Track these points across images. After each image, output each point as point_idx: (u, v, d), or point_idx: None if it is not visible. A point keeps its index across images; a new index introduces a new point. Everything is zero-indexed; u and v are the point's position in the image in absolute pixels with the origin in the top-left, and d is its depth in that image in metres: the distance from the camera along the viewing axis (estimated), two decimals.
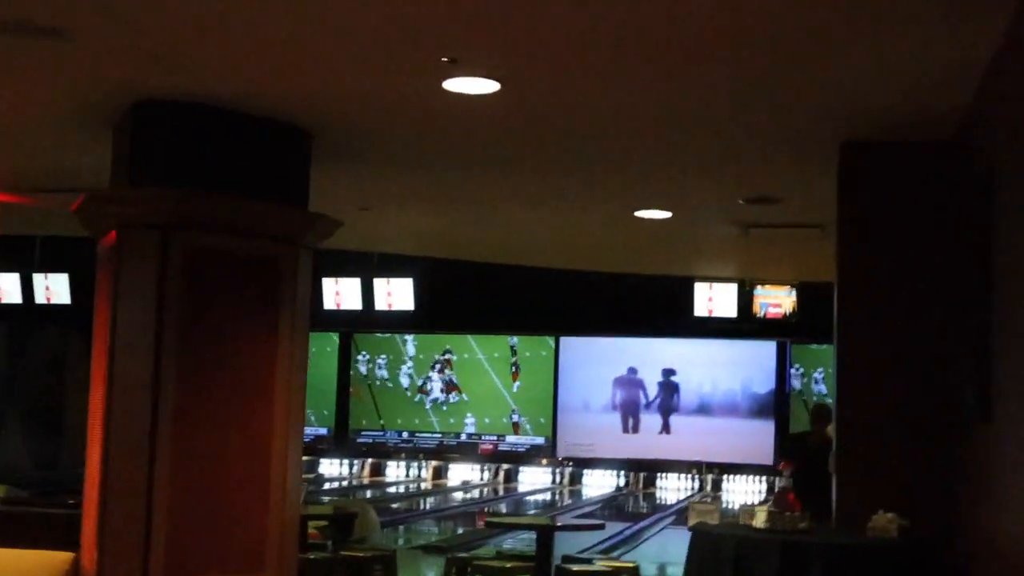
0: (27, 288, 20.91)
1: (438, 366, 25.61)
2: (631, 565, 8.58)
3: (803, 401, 23.36)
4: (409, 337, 25.53)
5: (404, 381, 25.81)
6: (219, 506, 6.27)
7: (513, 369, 25.39)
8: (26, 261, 20.76)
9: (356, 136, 7.02)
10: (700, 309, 15.99)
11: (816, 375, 23.61)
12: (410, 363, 25.82)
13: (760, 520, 5.95)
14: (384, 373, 25.94)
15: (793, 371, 23.70)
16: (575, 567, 8.23)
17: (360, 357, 25.89)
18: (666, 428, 24.55)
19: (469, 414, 25.51)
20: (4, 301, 21.22)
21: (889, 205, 6.69)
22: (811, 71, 5.51)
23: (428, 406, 25.69)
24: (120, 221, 6.29)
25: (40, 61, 5.66)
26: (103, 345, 6.32)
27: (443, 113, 6.38)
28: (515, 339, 25.13)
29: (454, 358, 25.53)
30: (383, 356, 25.90)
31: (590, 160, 7.59)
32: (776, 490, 6.28)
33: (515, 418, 25.23)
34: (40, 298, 20.94)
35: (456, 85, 5.78)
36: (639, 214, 9.03)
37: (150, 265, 6.19)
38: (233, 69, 5.80)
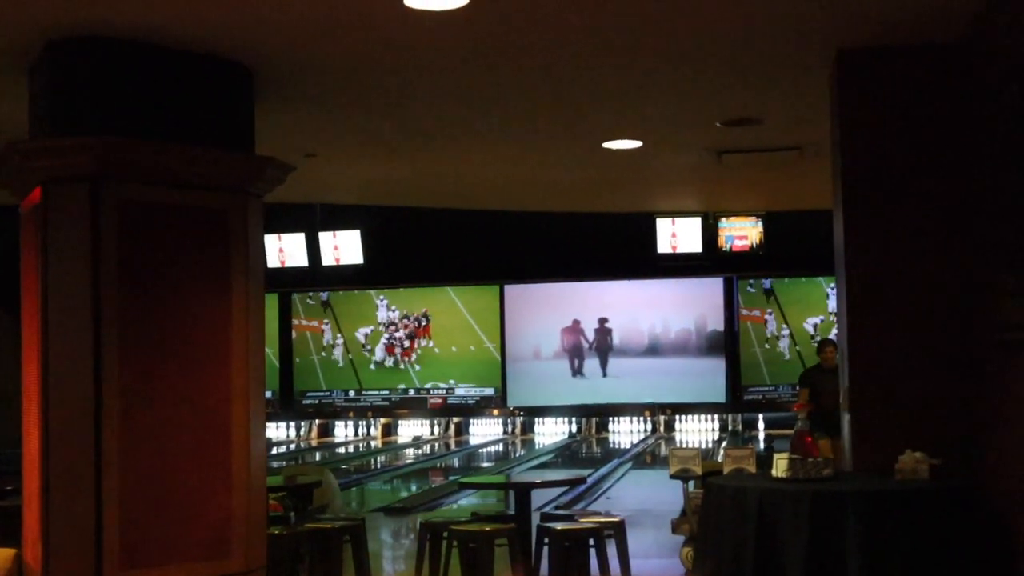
0: None
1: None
2: (616, 519, 8.12)
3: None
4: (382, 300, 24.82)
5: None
6: (177, 488, 5.62)
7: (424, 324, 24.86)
8: None
9: (304, 70, 6.38)
10: (663, 245, 15.45)
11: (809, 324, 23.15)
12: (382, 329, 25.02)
13: (781, 469, 5.40)
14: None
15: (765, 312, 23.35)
16: (559, 526, 7.72)
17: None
18: (604, 369, 24.28)
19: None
20: None
21: (893, 116, 6.18)
22: None
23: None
24: (44, 175, 5.58)
25: None
26: (34, 318, 5.64)
27: (403, 37, 5.81)
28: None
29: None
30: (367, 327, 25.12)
31: (560, 87, 7.03)
32: (794, 433, 5.71)
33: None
34: None
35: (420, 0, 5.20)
36: (607, 145, 8.48)
37: (81, 223, 5.50)
38: None
